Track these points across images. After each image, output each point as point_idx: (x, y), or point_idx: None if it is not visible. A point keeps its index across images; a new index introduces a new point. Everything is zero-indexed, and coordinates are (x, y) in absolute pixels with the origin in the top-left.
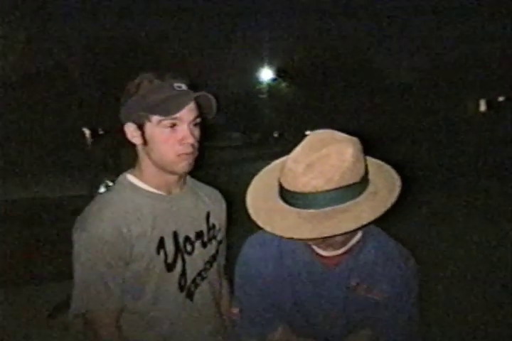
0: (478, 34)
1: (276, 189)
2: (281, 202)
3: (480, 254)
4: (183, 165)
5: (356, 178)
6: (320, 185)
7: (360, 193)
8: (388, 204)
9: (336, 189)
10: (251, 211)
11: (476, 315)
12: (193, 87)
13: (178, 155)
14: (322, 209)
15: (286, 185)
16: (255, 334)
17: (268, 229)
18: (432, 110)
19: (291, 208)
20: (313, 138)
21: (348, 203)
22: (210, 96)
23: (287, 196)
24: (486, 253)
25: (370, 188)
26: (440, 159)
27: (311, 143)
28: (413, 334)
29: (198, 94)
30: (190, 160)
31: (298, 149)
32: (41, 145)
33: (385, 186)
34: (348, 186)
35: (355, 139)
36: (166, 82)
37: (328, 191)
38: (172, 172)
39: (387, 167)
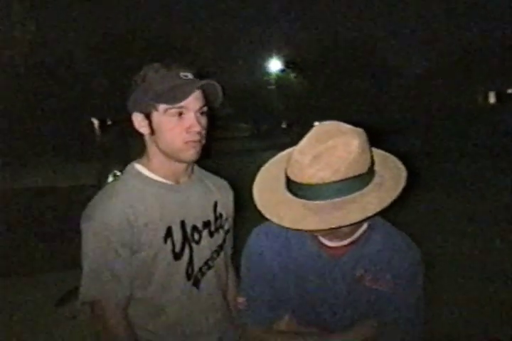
0: (488, 25)
1: (282, 180)
2: (288, 194)
3: (482, 250)
4: (191, 153)
5: (363, 169)
6: (327, 176)
7: (366, 184)
8: (394, 195)
9: (343, 180)
10: (258, 202)
11: (477, 309)
12: (199, 76)
13: (186, 143)
14: (329, 201)
15: (292, 177)
16: (261, 324)
17: (275, 220)
18: (442, 102)
19: (298, 199)
20: (319, 130)
21: (354, 194)
22: (216, 83)
23: (294, 187)
24: (488, 250)
25: (376, 179)
26: (448, 151)
27: (318, 134)
28: (418, 325)
29: (203, 82)
30: (198, 148)
31: (304, 141)
32: (50, 135)
33: (391, 177)
34: (355, 177)
35: (360, 130)
36: (172, 72)
37: (334, 182)
38: (180, 161)
39: (393, 158)
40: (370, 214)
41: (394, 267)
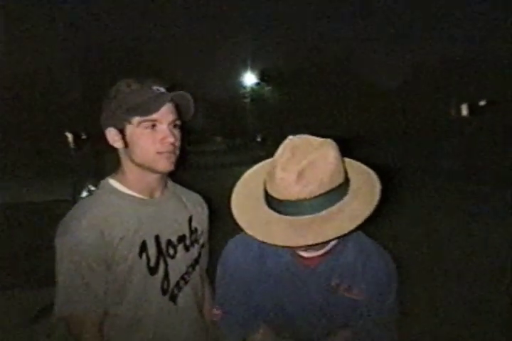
0: (459, 38)
1: (262, 199)
2: (272, 213)
3: (465, 256)
4: (165, 163)
5: (341, 179)
6: (314, 190)
7: (346, 193)
8: (376, 199)
9: (328, 192)
10: (243, 225)
11: (465, 315)
12: (172, 90)
13: (159, 153)
14: (318, 214)
15: (276, 195)
16: (236, 335)
17: (268, 241)
18: (414, 114)
19: (285, 217)
20: (292, 145)
21: (338, 204)
22: (187, 95)
23: (279, 206)
24: (471, 255)
25: (353, 186)
26: (421, 162)
27: (292, 150)
28: (391, 334)
29: (175, 93)
30: (172, 159)
31: (282, 157)
32: (23, 149)
33: (364, 181)
34: (337, 187)
35: (331, 141)
36: (144, 86)
37: (321, 195)
38: (154, 171)
39: (356, 162)
40: (360, 221)
41: (368, 276)
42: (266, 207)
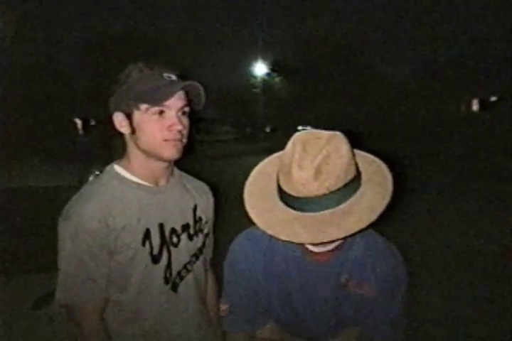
0: (471, 34)
1: (276, 198)
2: (291, 211)
3: (470, 255)
4: (171, 151)
5: (354, 171)
6: (331, 185)
7: (360, 184)
8: (390, 187)
9: (344, 185)
10: (263, 226)
11: (469, 315)
12: (182, 77)
13: (166, 140)
14: (337, 208)
15: (294, 193)
16: (243, 331)
17: (294, 239)
18: (425, 109)
19: (305, 214)
20: (301, 140)
21: (354, 197)
22: (198, 85)
23: (297, 203)
24: (476, 255)
25: (365, 177)
26: (431, 158)
27: (303, 145)
28: (400, 330)
29: (186, 83)
30: (179, 146)
31: (294, 155)
32: (32, 135)
33: (374, 171)
34: (352, 180)
35: (339, 133)
36: (155, 72)
37: (338, 189)
38: (160, 159)
39: (360, 151)
40: (380, 211)
41: (378, 272)
42: (282, 206)
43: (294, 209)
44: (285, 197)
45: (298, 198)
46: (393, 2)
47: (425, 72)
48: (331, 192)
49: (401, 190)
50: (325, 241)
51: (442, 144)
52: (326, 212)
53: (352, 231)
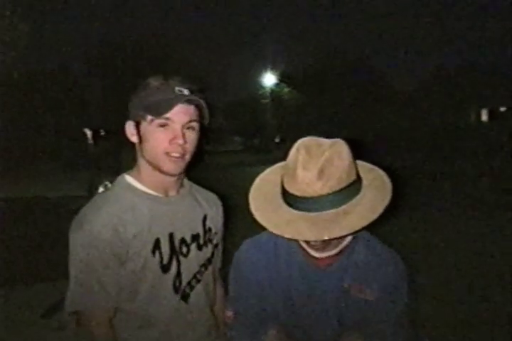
0: (481, 43)
1: (279, 200)
2: (294, 211)
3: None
4: (171, 166)
5: (355, 175)
6: (334, 185)
7: (360, 188)
8: (389, 192)
9: (346, 187)
10: (268, 225)
11: (472, 314)
12: (198, 91)
13: (166, 154)
14: (340, 208)
15: (298, 193)
16: (249, 337)
17: (299, 237)
18: (435, 119)
19: (309, 214)
20: (304, 146)
21: (356, 198)
22: (200, 101)
23: (301, 203)
24: (479, 257)
25: (364, 182)
26: (441, 168)
27: (306, 150)
28: (403, 334)
29: (187, 97)
30: (180, 163)
31: (298, 158)
32: (42, 145)
33: (374, 178)
34: (353, 182)
35: (341, 140)
36: (169, 85)
37: (341, 190)
38: (161, 172)
39: (360, 161)
40: (381, 211)
41: (379, 277)
42: (286, 207)
43: (298, 209)
44: (289, 199)
45: (302, 198)
46: (402, 11)
47: (434, 82)
48: (334, 193)
49: (407, 199)
50: (328, 238)
51: (451, 154)
52: (329, 211)
53: (354, 229)
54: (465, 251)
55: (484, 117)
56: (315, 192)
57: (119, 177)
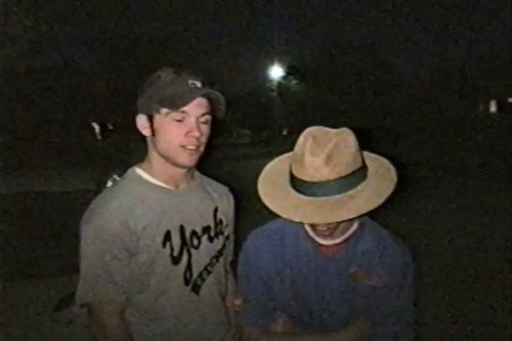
0: (490, 35)
1: (288, 186)
2: (302, 196)
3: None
4: (187, 158)
5: (361, 162)
6: (341, 171)
7: (366, 174)
8: (394, 176)
9: (352, 172)
10: (277, 210)
11: (474, 307)
12: (209, 84)
13: (182, 146)
14: (346, 193)
15: (306, 178)
16: (258, 325)
17: (306, 220)
18: (443, 110)
19: (317, 198)
20: (312, 134)
21: (362, 184)
22: (218, 94)
23: (309, 188)
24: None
25: (370, 169)
26: (449, 159)
27: (314, 137)
28: (409, 321)
29: (205, 91)
30: (195, 155)
31: (306, 145)
32: (50, 139)
33: (379, 165)
34: (360, 169)
35: (347, 129)
36: (182, 78)
37: (348, 175)
38: (175, 165)
39: (366, 152)
40: (386, 196)
41: (386, 264)
42: (294, 192)
43: (306, 194)
44: (298, 184)
45: (310, 183)
46: (414, 1)
47: (444, 74)
48: (341, 178)
49: (414, 190)
50: (335, 220)
51: (459, 145)
52: (336, 196)
53: (360, 212)
54: (468, 242)
55: (493, 108)
56: (323, 177)
57: (129, 170)
